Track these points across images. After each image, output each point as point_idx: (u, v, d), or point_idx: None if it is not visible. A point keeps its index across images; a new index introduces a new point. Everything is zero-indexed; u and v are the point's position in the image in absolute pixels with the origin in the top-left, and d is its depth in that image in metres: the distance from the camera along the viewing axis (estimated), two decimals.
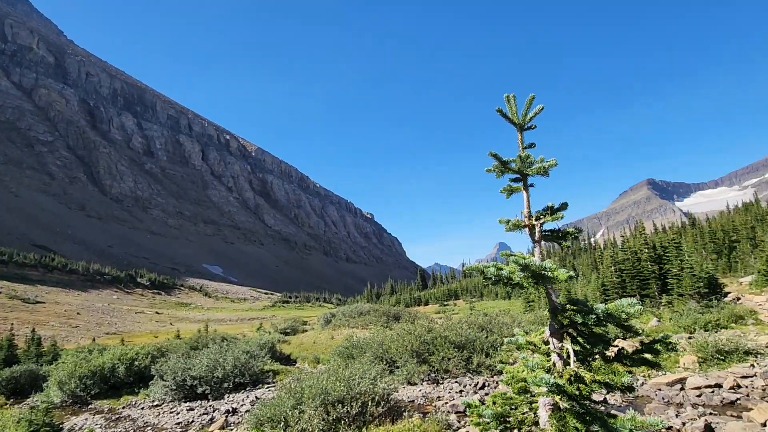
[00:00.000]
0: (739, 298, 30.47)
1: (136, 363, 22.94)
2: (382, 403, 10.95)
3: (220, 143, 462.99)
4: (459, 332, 21.11)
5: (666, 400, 12.88)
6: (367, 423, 10.20)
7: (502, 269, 3.20)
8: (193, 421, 14.66)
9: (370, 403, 10.64)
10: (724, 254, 52.24)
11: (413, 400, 14.31)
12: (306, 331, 47.06)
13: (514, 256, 3.08)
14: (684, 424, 10.65)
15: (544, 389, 2.76)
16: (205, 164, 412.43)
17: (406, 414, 11.37)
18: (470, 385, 17.95)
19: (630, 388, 3.17)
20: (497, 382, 18.48)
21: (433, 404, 13.68)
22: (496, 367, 20.58)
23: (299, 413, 10.11)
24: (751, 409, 10.65)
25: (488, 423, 3.10)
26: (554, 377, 2.85)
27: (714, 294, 31.38)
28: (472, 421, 3.27)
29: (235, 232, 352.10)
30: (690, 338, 19.29)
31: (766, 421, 9.85)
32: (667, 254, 35.46)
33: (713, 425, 10.21)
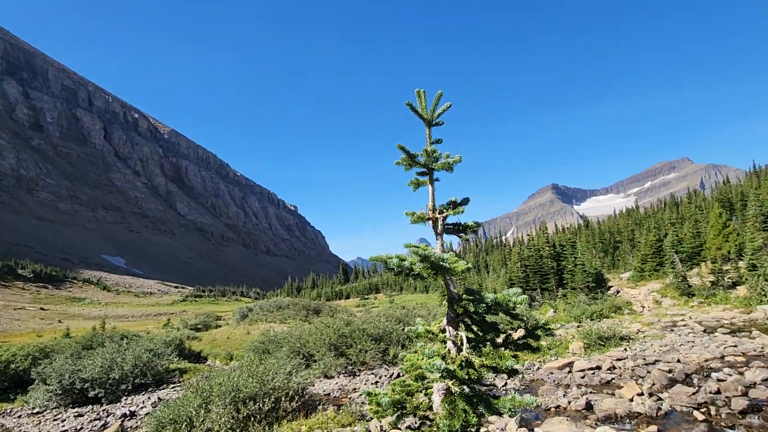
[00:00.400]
0: (618, 291, 34.90)
1: (12, 366, 20.05)
2: (296, 398, 10.77)
3: (126, 122, 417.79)
4: (377, 325, 21.48)
5: (556, 382, 14.32)
6: (280, 419, 9.97)
7: (404, 260, 3.28)
8: (82, 428, 13.20)
9: (283, 399, 10.40)
10: (609, 253, 59.50)
11: (329, 393, 14.30)
12: (220, 326, 44.68)
13: (415, 247, 3.18)
14: (569, 402, 11.94)
15: (437, 375, 2.90)
16: (107, 144, 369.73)
17: (320, 407, 11.30)
18: (386, 376, 18.36)
19: (513, 371, 3.44)
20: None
21: (349, 396, 13.78)
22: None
23: (205, 412, 9.55)
24: (622, 387, 12.26)
25: (385, 410, 3.17)
26: (447, 363, 3.00)
27: (600, 288, 35.58)
28: (370, 409, 3.32)
29: (142, 220, 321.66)
30: (579, 327, 21.62)
31: (633, 397, 11.39)
32: (564, 252, 39.39)
33: (592, 402, 11.58)
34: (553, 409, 11.88)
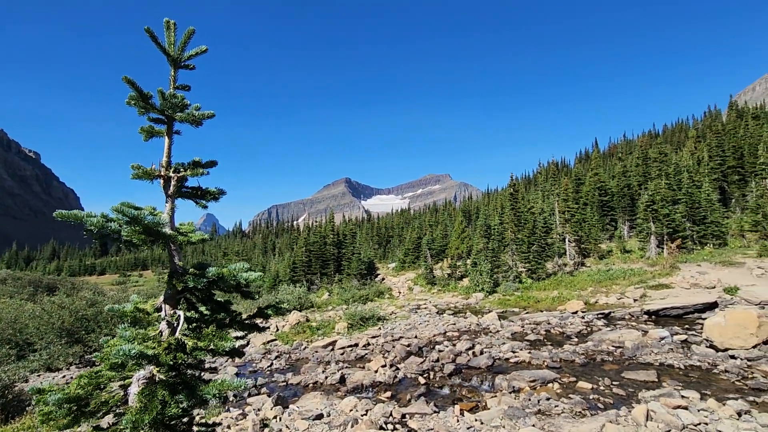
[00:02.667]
0: (383, 279, 39.99)
1: None
2: None
3: None
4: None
5: (319, 359, 15.18)
6: None
7: (110, 221, 2.57)
8: None
9: None
10: (383, 245, 67.84)
11: None
12: None
13: (125, 205, 2.52)
14: (327, 377, 12.80)
15: (131, 362, 2.36)
16: None
17: (30, 408, 8.85)
18: None
19: (235, 352, 3.18)
20: None
21: None
22: None
23: None
24: (371, 360, 13.87)
25: (56, 411, 2.39)
26: (149, 347, 2.48)
27: (371, 275, 39.94)
28: (39, 412, 2.49)
29: None
30: (347, 308, 23.56)
31: (378, 368, 12.98)
32: (346, 241, 42.60)
33: (346, 376, 12.72)
34: (311, 384, 12.50)
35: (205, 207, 3.31)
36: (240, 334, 3.46)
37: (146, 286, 41.59)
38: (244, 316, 3.53)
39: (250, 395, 11.93)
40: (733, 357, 11.27)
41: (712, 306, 17.06)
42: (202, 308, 3.25)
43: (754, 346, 11.59)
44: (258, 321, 3.50)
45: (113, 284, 54.68)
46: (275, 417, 8.74)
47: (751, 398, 8.59)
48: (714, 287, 19.63)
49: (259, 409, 9.86)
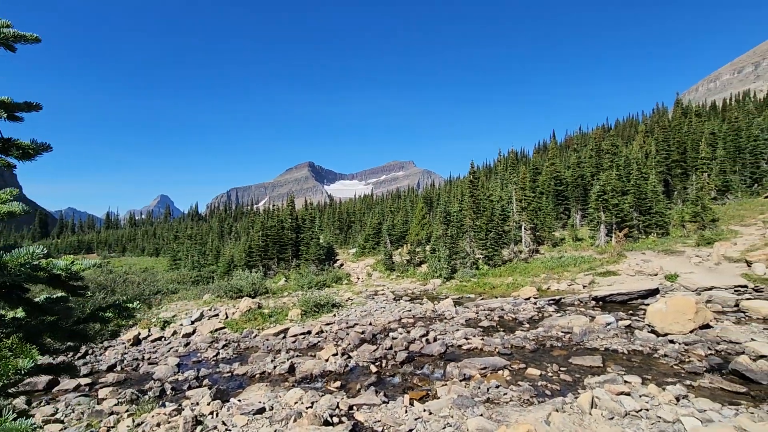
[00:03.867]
0: (342, 264, 39.49)
1: None
2: None
3: None
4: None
5: (269, 348, 14.57)
6: None
7: None
8: None
9: None
10: (344, 230, 67.11)
11: None
12: None
13: None
14: (275, 367, 12.25)
15: None
16: None
17: None
18: (66, 355, 14.60)
19: (37, 371, 2.33)
20: (105, 348, 15.97)
21: None
22: (108, 330, 17.75)
23: None
24: (323, 348, 13.44)
25: None
26: None
27: (329, 260, 39.31)
28: None
29: None
30: (302, 294, 22.91)
31: (329, 357, 12.57)
32: (305, 225, 41.61)
33: (295, 365, 12.22)
34: (258, 375, 11.92)
35: (12, 167, 2.59)
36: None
37: (87, 272, 38.87)
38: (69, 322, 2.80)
39: (190, 388, 11.20)
40: (672, 342, 11.75)
41: (654, 292, 17.88)
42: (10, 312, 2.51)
43: (691, 331, 12.14)
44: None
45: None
46: (212, 413, 8.13)
47: (688, 382, 8.90)
48: (656, 274, 20.64)
49: (196, 404, 9.21)
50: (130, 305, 2.98)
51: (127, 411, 9.06)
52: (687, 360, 10.38)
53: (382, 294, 24.26)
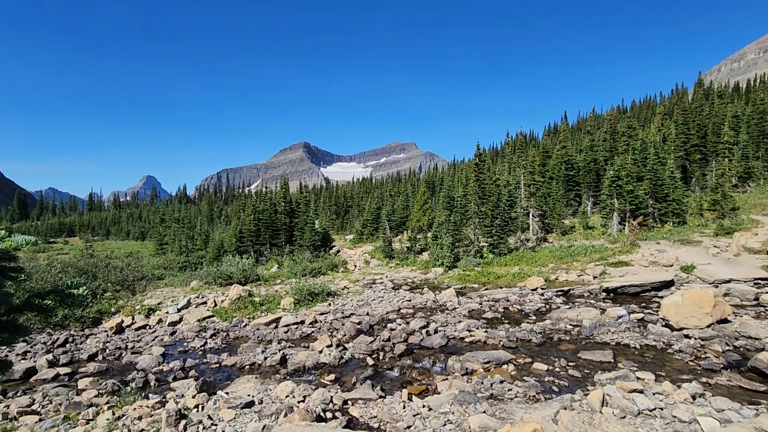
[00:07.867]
0: (339, 251, 39.45)
1: None
2: None
3: None
4: (43, 277, 17.00)
5: (260, 338, 14.54)
6: None
7: None
8: None
9: None
10: (341, 215, 66.98)
11: None
12: None
13: None
14: (266, 358, 12.21)
15: None
16: None
17: None
18: (45, 343, 14.64)
19: None
20: (87, 336, 15.95)
21: None
22: (90, 318, 17.72)
23: None
24: (317, 339, 13.38)
25: None
26: None
27: (325, 246, 39.24)
28: None
29: None
30: (296, 282, 22.86)
31: (323, 348, 12.51)
32: (299, 209, 41.41)
33: (287, 356, 12.17)
34: (248, 366, 11.88)
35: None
36: None
37: (71, 254, 38.78)
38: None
39: (175, 379, 11.16)
40: (687, 336, 11.69)
41: (668, 284, 17.82)
42: None
43: (708, 326, 12.08)
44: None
45: (33, 253, 50.75)
46: (197, 406, 8.06)
47: (704, 380, 8.84)
48: (671, 265, 20.57)
49: (181, 396, 9.16)
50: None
51: (107, 403, 9.00)
52: (703, 356, 10.32)
53: (381, 283, 24.21)
